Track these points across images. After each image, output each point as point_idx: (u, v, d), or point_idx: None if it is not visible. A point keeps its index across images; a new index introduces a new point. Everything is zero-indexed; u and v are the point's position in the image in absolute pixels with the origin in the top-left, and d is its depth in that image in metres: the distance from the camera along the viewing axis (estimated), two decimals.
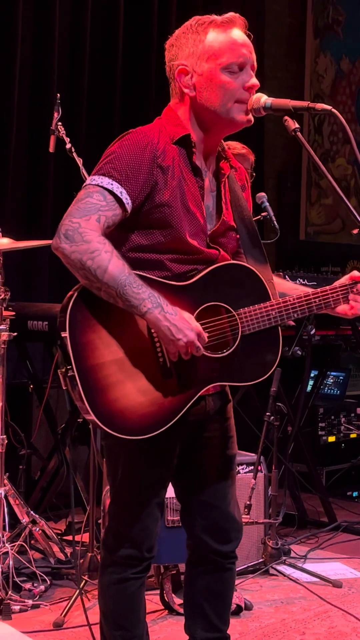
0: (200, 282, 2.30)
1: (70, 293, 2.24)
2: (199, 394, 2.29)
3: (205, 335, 2.23)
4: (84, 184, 2.26)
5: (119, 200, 2.22)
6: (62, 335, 2.21)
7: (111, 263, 2.16)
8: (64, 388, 2.25)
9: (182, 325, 2.18)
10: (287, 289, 2.49)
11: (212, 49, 2.30)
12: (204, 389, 2.31)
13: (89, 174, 3.62)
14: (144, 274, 2.24)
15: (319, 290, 2.38)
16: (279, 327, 2.36)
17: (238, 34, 2.33)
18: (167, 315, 2.17)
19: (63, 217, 2.21)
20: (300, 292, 2.40)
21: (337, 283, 2.40)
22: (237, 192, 2.45)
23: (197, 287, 2.30)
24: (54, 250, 2.21)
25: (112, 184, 2.21)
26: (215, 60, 2.29)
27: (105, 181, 2.22)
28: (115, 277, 2.15)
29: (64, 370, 2.21)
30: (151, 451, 2.30)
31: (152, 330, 2.23)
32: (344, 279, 2.40)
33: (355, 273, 2.40)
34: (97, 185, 2.22)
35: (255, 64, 2.35)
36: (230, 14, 2.35)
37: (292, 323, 4.58)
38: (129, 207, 2.23)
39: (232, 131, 2.39)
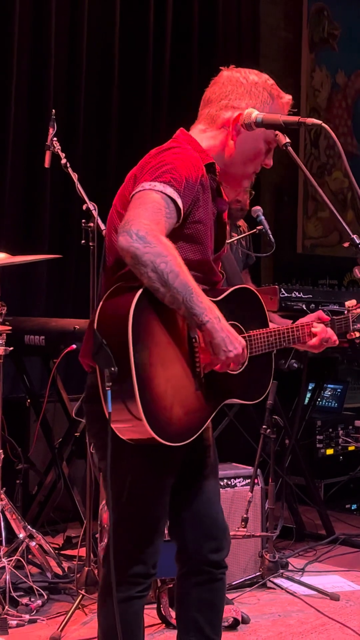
0: (225, 300, 2.39)
1: (127, 297, 2.19)
2: (219, 406, 2.36)
3: (247, 353, 2.32)
4: (144, 187, 2.21)
5: (178, 210, 2.23)
6: (122, 336, 2.15)
7: (182, 269, 2.16)
8: (107, 388, 2.18)
9: (235, 339, 2.24)
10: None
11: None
12: (222, 403, 2.38)
13: (84, 189, 3.70)
14: None
15: (297, 323, 2.59)
16: (273, 352, 2.52)
17: None
18: (224, 327, 2.23)
19: (129, 216, 2.16)
20: (288, 322, 2.57)
21: (300, 321, 2.61)
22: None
23: (222, 303, 2.35)
24: (120, 250, 2.15)
25: (174, 194, 2.21)
26: (266, 131, 2.39)
27: (169, 190, 2.21)
28: (185, 283, 2.16)
29: (112, 370, 2.16)
30: (161, 467, 2.32)
31: (199, 339, 2.27)
32: (307, 318, 2.62)
33: (321, 313, 2.61)
34: (162, 192, 2.20)
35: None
36: (290, 98, 2.47)
37: None
38: (180, 218, 2.26)
39: (229, 186, 2.49)
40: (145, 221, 2.14)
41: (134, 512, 2.37)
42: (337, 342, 2.60)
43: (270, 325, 2.54)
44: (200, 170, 2.30)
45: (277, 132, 2.32)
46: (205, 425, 2.32)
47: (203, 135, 2.43)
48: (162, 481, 2.37)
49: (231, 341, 2.23)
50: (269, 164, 2.48)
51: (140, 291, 2.18)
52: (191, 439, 2.26)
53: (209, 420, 2.34)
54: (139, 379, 2.15)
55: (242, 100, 2.40)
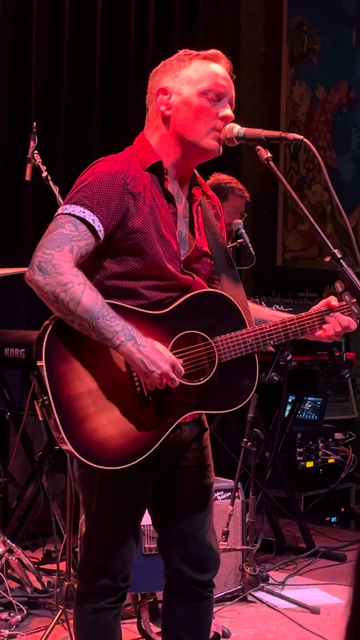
0: (176, 311, 2.31)
1: (46, 322, 2.24)
2: (176, 422, 2.29)
3: (180, 366, 2.23)
4: (56, 214, 2.27)
5: (91, 228, 2.22)
6: (39, 365, 2.21)
7: (84, 295, 2.16)
8: (40, 419, 2.25)
9: (156, 357, 2.18)
10: (265, 315, 2.49)
11: (194, 74, 2.36)
12: (182, 418, 2.30)
13: None
14: (120, 303, 2.25)
15: (294, 316, 2.39)
16: (256, 354, 2.36)
17: (221, 67, 2.39)
18: (141, 347, 2.17)
19: (36, 248, 2.21)
20: (277, 319, 2.40)
21: (312, 309, 2.41)
22: (210, 219, 2.47)
23: (173, 315, 2.30)
24: (27, 282, 2.21)
25: (84, 212, 2.22)
26: (195, 85, 2.35)
27: (77, 209, 2.23)
28: (88, 309, 2.15)
29: (40, 401, 2.20)
30: (126, 482, 2.30)
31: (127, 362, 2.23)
32: (320, 305, 2.42)
33: (331, 300, 2.40)
34: (69, 214, 2.23)
35: (233, 101, 2.41)
36: (216, 51, 2.42)
37: (271, 348, 4.60)
38: (102, 234, 2.24)
39: (202, 160, 2.42)
40: (47, 251, 2.18)
41: (100, 525, 2.38)
42: (355, 326, 2.37)
43: (252, 325, 2.35)
44: (122, 180, 2.27)
45: (258, 147, 2.31)
46: (159, 443, 2.24)
47: (151, 133, 2.42)
48: (126, 500, 2.35)
49: (152, 361, 2.16)
50: (227, 115, 2.35)
51: (56, 319, 2.23)
52: (141, 458, 2.22)
53: (162, 438, 2.25)
54: (58, 406, 2.18)
55: (160, 82, 2.40)
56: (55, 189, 3.76)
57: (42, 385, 2.20)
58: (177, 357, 2.25)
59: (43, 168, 3.82)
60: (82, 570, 2.43)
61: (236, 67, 2.46)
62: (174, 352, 2.26)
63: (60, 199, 3.72)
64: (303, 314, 2.39)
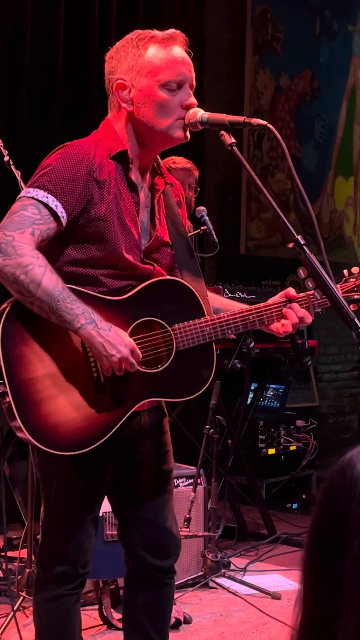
0: (135, 297, 2.30)
1: (3, 306, 2.23)
2: (133, 409, 2.29)
3: (139, 351, 2.23)
4: (19, 196, 2.25)
5: (53, 213, 2.20)
6: None
7: (45, 277, 2.14)
8: None
9: (116, 341, 2.17)
10: (224, 305, 2.50)
11: (151, 65, 2.29)
12: (139, 405, 2.30)
13: None
14: (78, 288, 2.23)
15: (253, 307, 2.39)
16: (213, 344, 2.36)
17: (178, 51, 2.33)
18: (101, 331, 2.16)
19: None
20: (235, 309, 2.40)
21: (271, 300, 2.41)
22: (172, 208, 2.46)
23: (131, 302, 2.29)
24: None
25: (47, 197, 2.20)
26: (154, 77, 2.29)
27: (41, 194, 2.20)
28: (49, 291, 2.14)
29: None
30: (84, 468, 2.29)
31: (86, 346, 2.22)
32: (278, 297, 2.42)
33: (289, 291, 2.41)
34: (32, 197, 2.21)
35: (194, 82, 2.36)
36: (172, 31, 2.35)
37: (233, 336, 4.61)
38: (64, 220, 2.22)
39: (167, 146, 2.41)
40: (8, 232, 2.16)
41: (58, 512, 2.37)
42: (310, 320, 2.39)
43: (210, 314, 2.35)
44: (88, 167, 2.24)
45: (222, 132, 2.29)
46: (115, 429, 2.24)
47: (114, 122, 2.38)
48: (84, 486, 2.35)
49: (112, 345, 2.16)
50: (190, 102, 2.31)
51: (13, 302, 2.21)
52: (96, 444, 2.22)
53: (118, 424, 2.25)
54: (13, 389, 2.16)
55: (117, 73, 2.33)
56: (18, 174, 3.72)
57: None
58: (135, 344, 2.25)
59: (5, 152, 3.77)
60: (40, 557, 2.42)
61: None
62: (131, 338, 2.25)
63: (22, 183, 3.68)
64: (261, 304, 2.40)
